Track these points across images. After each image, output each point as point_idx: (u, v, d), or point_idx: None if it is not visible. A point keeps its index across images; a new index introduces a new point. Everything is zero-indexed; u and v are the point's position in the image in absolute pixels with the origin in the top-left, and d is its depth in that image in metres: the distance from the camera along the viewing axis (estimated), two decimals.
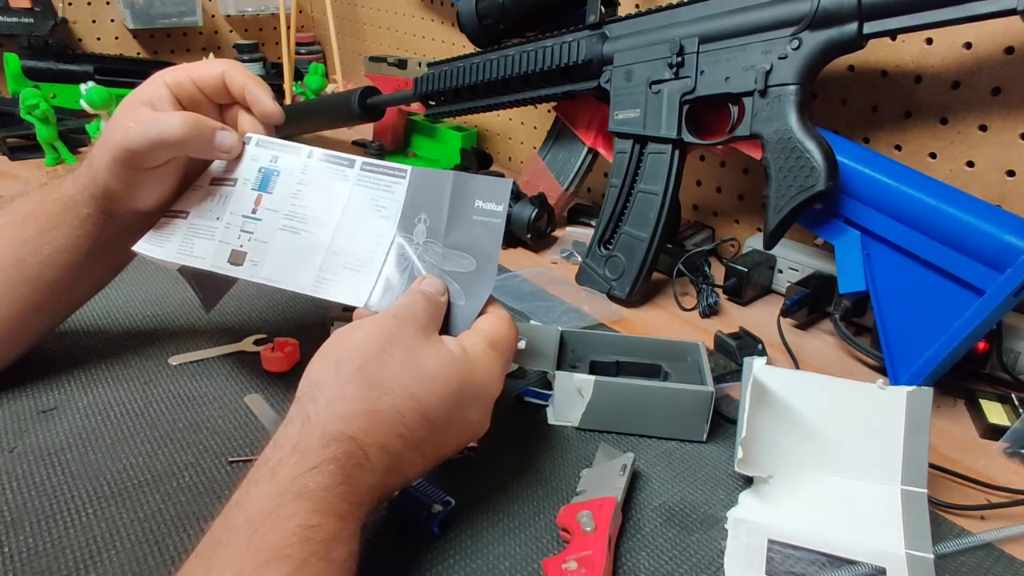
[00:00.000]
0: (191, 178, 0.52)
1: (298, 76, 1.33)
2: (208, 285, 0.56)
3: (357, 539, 0.35)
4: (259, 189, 0.50)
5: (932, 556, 0.41)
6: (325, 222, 0.49)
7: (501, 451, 0.49)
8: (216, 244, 0.49)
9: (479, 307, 0.45)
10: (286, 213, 0.49)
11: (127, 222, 0.51)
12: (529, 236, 0.81)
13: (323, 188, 0.49)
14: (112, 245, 0.52)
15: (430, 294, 0.44)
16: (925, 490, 0.43)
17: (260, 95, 0.51)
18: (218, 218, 0.50)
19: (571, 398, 0.51)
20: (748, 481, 0.46)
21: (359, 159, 0.50)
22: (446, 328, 0.45)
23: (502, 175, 0.92)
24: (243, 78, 0.50)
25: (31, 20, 1.19)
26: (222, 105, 0.52)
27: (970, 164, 0.62)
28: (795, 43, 0.57)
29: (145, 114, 0.47)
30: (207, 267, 0.49)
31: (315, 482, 0.33)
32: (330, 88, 1.32)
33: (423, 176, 0.49)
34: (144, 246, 0.50)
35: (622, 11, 0.73)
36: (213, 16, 1.45)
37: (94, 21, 1.33)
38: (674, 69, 0.65)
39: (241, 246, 0.49)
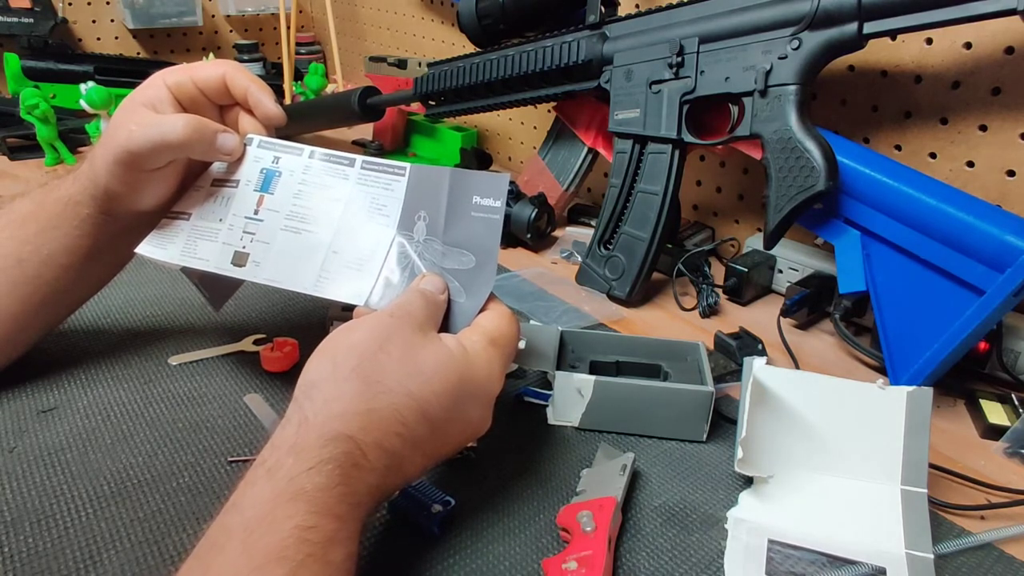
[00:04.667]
0: (192, 179, 0.52)
1: (298, 76, 1.33)
2: (214, 286, 0.56)
3: (355, 540, 0.34)
4: (261, 190, 0.50)
5: (932, 556, 0.41)
6: (326, 222, 0.49)
7: (501, 451, 0.49)
8: (219, 246, 0.49)
9: (480, 304, 0.45)
10: (287, 213, 0.49)
11: (128, 223, 0.51)
12: (529, 236, 0.81)
13: (324, 188, 0.49)
14: (113, 245, 0.52)
15: (429, 292, 0.44)
16: (925, 490, 0.43)
17: (262, 97, 0.51)
18: (221, 219, 0.50)
19: (571, 398, 0.51)
20: (748, 481, 0.46)
21: (359, 158, 0.50)
22: (447, 326, 0.45)
23: None
24: (244, 80, 0.50)
25: (31, 20, 1.19)
26: (223, 106, 0.52)
27: (970, 164, 0.62)
28: (795, 43, 0.57)
29: (147, 116, 0.47)
30: (211, 269, 0.49)
31: (312, 483, 0.33)
32: (330, 88, 1.32)
33: (421, 173, 0.49)
34: (147, 248, 0.50)
35: (622, 11, 0.73)
36: (213, 16, 1.45)
37: (94, 21, 1.33)
38: (674, 69, 0.65)
39: (244, 247, 0.49)
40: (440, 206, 0.47)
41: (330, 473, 0.34)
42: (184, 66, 0.51)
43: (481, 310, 0.45)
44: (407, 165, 0.49)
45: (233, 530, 0.32)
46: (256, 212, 0.49)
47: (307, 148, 0.51)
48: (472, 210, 0.46)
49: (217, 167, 0.51)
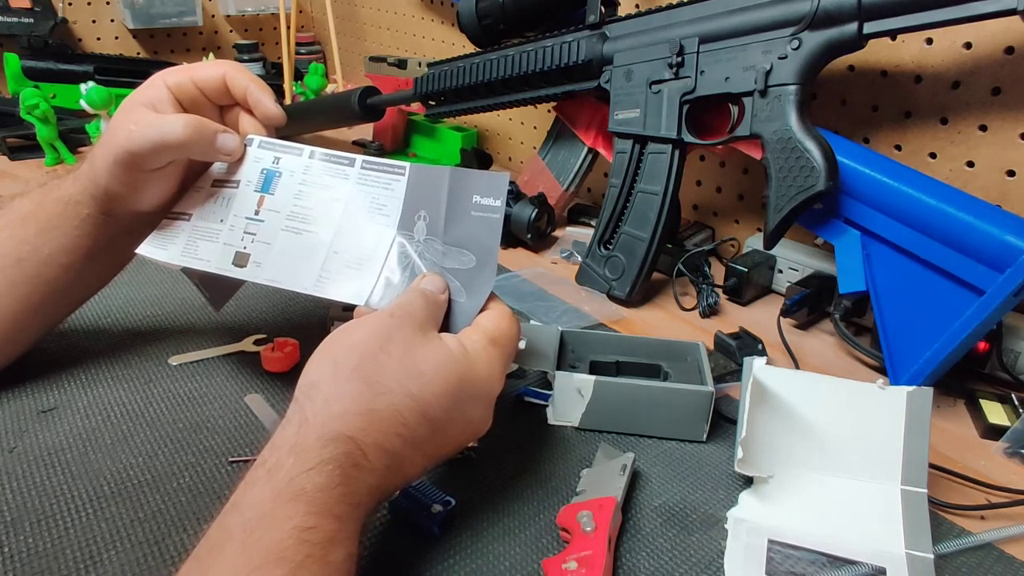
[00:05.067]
0: (192, 179, 0.52)
1: (298, 76, 1.33)
2: (214, 286, 0.56)
3: (355, 541, 0.34)
4: (261, 191, 0.50)
5: (932, 556, 0.41)
6: (326, 222, 0.49)
7: (501, 451, 0.49)
8: (220, 246, 0.49)
9: (480, 304, 0.45)
10: (288, 214, 0.49)
11: (127, 223, 0.51)
12: (529, 236, 0.81)
13: (324, 188, 0.49)
14: (112, 245, 0.52)
15: (429, 292, 0.44)
16: (925, 490, 0.43)
17: (262, 97, 0.50)
18: (221, 220, 0.50)
19: (571, 398, 0.51)
20: (748, 481, 0.46)
21: (359, 158, 0.50)
22: (447, 325, 0.45)
23: None
24: (244, 80, 0.50)
25: (31, 20, 1.19)
26: (222, 106, 0.52)
27: (970, 164, 0.62)
28: (795, 43, 0.57)
29: (147, 116, 0.47)
30: (212, 270, 0.49)
31: (312, 483, 0.33)
32: (330, 88, 1.32)
33: (421, 172, 0.49)
34: (147, 249, 0.50)
35: (622, 11, 0.73)
36: (213, 16, 1.45)
37: (94, 21, 1.33)
38: (674, 69, 0.65)
39: (244, 247, 0.49)
40: (440, 205, 0.47)
41: (330, 474, 0.34)
42: (184, 66, 0.51)
43: (482, 310, 0.45)
44: (407, 164, 0.49)
45: (233, 530, 0.32)
46: (257, 212, 0.49)
47: (307, 148, 0.51)
48: (472, 209, 0.46)
49: (217, 167, 0.51)
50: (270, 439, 0.36)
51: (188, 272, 0.52)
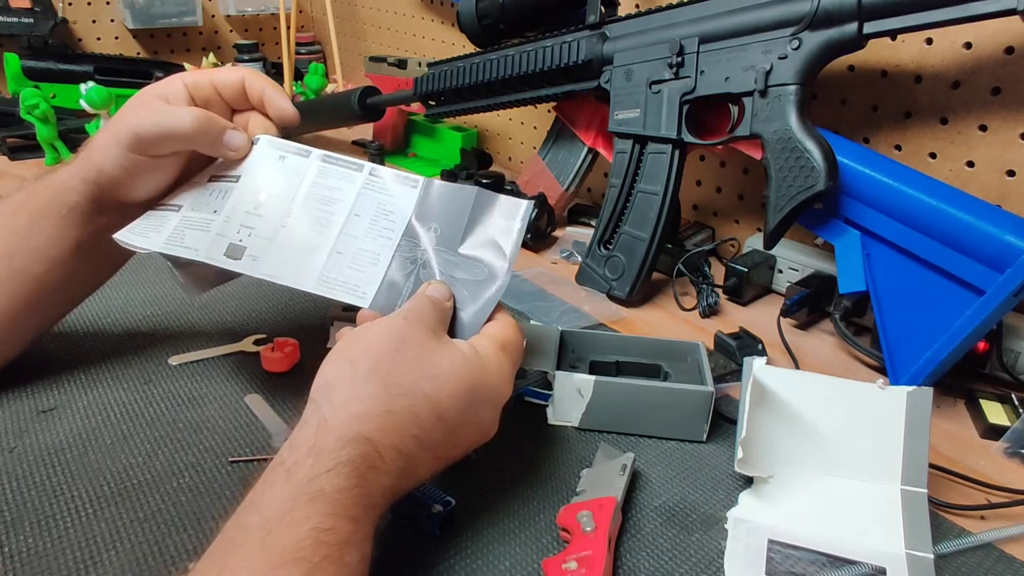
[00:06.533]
0: (188, 175, 0.52)
1: (298, 76, 1.33)
2: (192, 271, 0.55)
3: (369, 543, 0.35)
4: (265, 188, 0.50)
5: (932, 556, 0.41)
6: (330, 223, 0.49)
7: (501, 451, 0.49)
8: (211, 236, 0.48)
9: (486, 316, 0.45)
10: (290, 212, 0.49)
11: (116, 216, 0.50)
12: (529, 236, 0.81)
13: (329, 190, 0.50)
14: (102, 241, 0.51)
15: (435, 299, 0.44)
16: (925, 490, 0.43)
17: (277, 97, 0.52)
18: (215, 211, 0.49)
19: (571, 398, 0.51)
20: (748, 481, 0.46)
21: (368, 165, 0.51)
22: (453, 333, 0.45)
23: (502, 175, 0.92)
24: (262, 83, 0.52)
25: (31, 20, 1.19)
26: (235, 110, 0.53)
27: (970, 164, 0.62)
28: (795, 43, 0.57)
29: (158, 104, 0.49)
30: (200, 259, 0.47)
31: (331, 485, 0.34)
32: (330, 88, 1.32)
33: (445, 190, 0.50)
34: (127, 236, 0.49)
35: (622, 11, 0.73)
36: (213, 16, 1.45)
37: (94, 21, 1.33)
38: (674, 69, 0.65)
39: (240, 240, 0.48)
40: (461, 221, 0.48)
41: (348, 475, 0.34)
42: (204, 70, 0.52)
43: (487, 320, 0.45)
44: (420, 178, 0.50)
45: (251, 529, 0.32)
46: (257, 208, 0.49)
47: (315, 151, 0.51)
48: (491, 228, 0.48)
49: (218, 164, 0.52)
50: (288, 439, 0.37)
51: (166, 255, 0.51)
